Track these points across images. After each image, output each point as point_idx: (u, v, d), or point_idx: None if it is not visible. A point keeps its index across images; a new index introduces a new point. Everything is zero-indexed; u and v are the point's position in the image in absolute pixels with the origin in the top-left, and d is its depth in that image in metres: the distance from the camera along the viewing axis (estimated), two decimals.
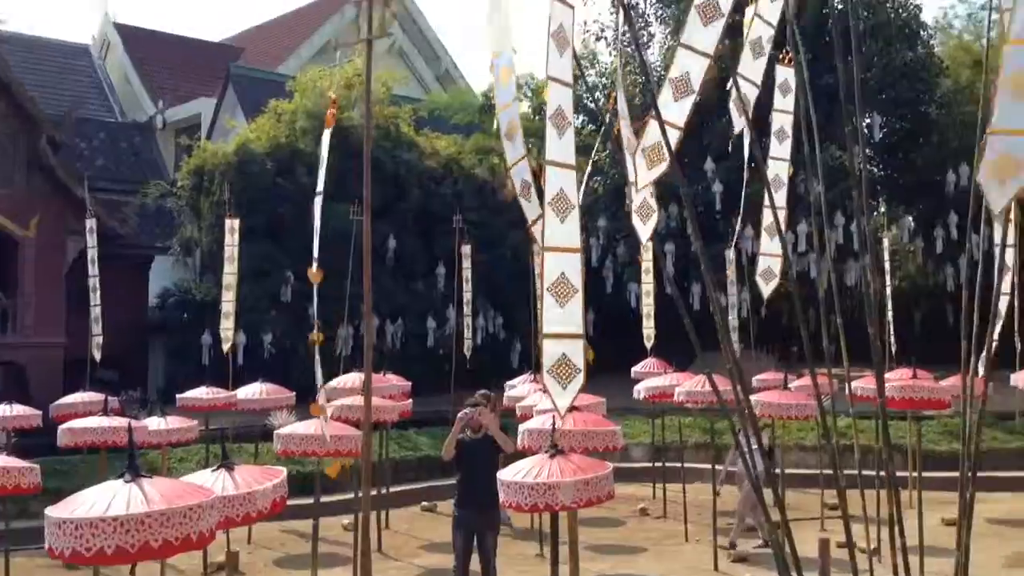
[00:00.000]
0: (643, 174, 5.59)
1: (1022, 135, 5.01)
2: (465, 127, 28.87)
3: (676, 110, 5.50)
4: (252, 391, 13.89)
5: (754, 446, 5.81)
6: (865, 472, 7.91)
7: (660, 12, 30.25)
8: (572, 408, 6.20)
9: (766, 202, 9.20)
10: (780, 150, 8.92)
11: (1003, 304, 7.00)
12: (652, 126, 5.42)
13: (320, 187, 8.47)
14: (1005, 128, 5.00)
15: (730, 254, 17.66)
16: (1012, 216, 7.27)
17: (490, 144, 25.53)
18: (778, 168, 9.06)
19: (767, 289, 9.13)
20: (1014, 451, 15.37)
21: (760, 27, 7.49)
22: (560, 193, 5.55)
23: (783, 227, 9.06)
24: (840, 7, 13.76)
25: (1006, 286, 7.33)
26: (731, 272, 17.89)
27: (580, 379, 5.39)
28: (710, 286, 7.75)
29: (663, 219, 24.38)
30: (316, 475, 9.52)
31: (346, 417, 9.91)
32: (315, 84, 24.05)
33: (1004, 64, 5.05)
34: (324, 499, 10.23)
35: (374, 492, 10.98)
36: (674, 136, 5.30)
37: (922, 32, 30.26)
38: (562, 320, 5.40)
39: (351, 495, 11.04)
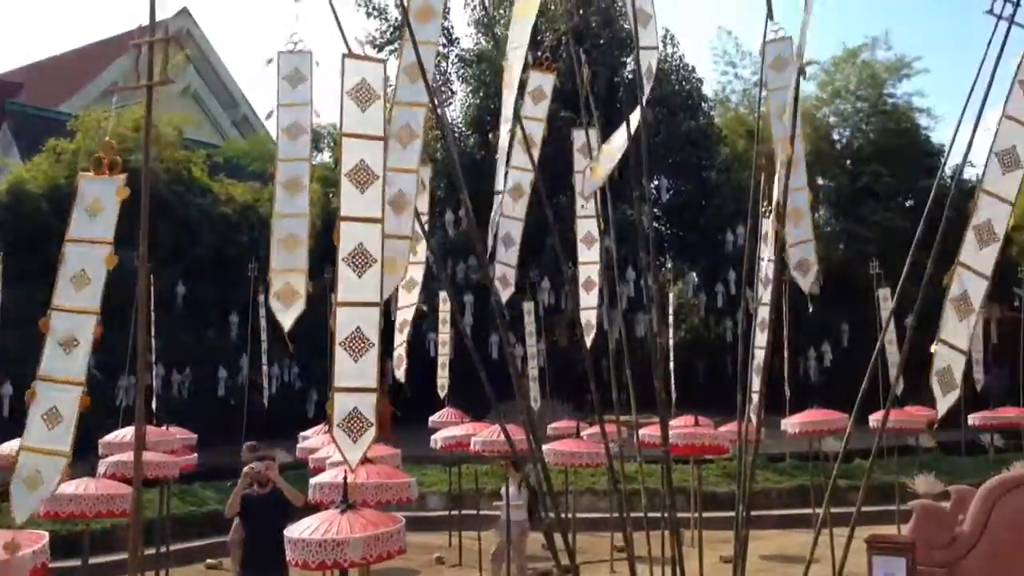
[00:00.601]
0: None
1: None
2: (263, 175, 28.31)
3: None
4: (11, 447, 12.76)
5: (517, 500, 5.94)
6: (651, 514, 8.28)
7: (461, 71, 31.07)
8: (366, 460, 6.10)
9: (581, 258, 9.56)
10: (589, 208, 9.30)
11: (761, 356, 7.61)
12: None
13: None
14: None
15: (528, 306, 18.09)
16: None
17: None
18: (589, 225, 9.42)
19: (589, 340, 9.39)
20: (785, 490, 16.48)
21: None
22: (359, 248, 5.50)
23: (596, 282, 9.40)
24: (630, 77, 14.75)
25: (761, 341, 8.00)
26: (529, 323, 18.30)
27: (371, 433, 5.32)
28: (505, 338, 7.94)
29: (463, 271, 24.76)
30: (85, 535, 8.92)
31: (121, 474, 9.30)
32: (99, 124, 22.88)
33: None
34: (94, 560, 9.58)
35: (152, 551, 10.37)
36: None
37: (703, 104, 32.63)
38: (356, 374, 5.34)
39: (124, 555, 10.38)
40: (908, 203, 29.27)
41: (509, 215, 8.49)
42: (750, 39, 36.86)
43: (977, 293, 5.87)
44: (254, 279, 18.52)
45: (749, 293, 9.04)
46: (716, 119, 33.15)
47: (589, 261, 9.42)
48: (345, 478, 5.96)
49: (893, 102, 33.22)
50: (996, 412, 17.76)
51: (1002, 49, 6.23)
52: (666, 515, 7.84)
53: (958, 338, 5.96)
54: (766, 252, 9.09)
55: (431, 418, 14.93)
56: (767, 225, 9.13)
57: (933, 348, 6.23)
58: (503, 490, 11.03)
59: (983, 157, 6.54)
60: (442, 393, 16.15)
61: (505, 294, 8.36)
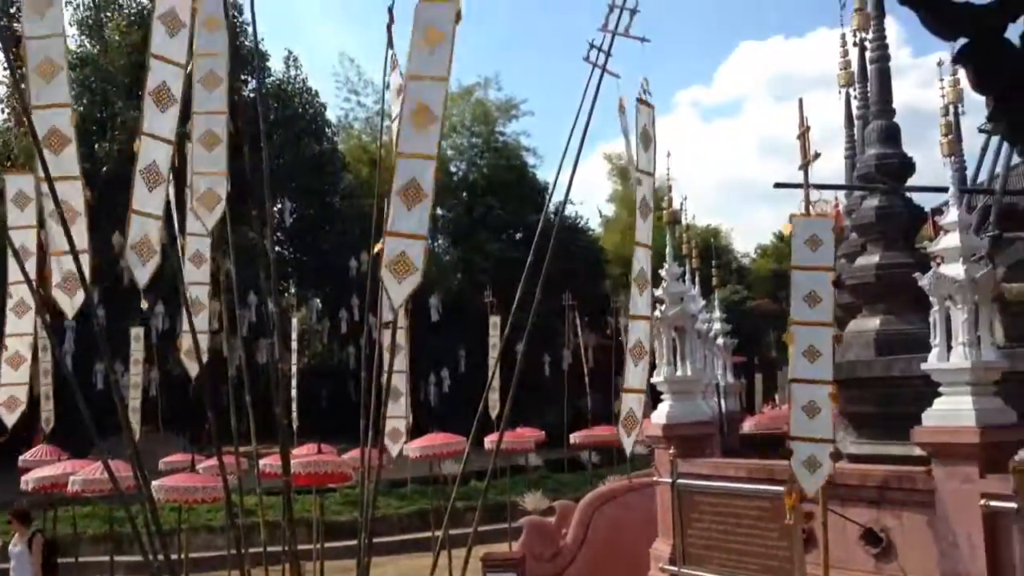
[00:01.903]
0: None
1: (413, 239, 5.59)
2: None
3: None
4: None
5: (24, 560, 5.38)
6: (272, 548, 7.94)
7: None
8: None
9: (187, 279, 8.94)
10: (198, 225, 8.74)
11: (398, 381, 7.69)
12: None
13: None
14: (398, 231, 5.57)
15: (136, 331, 16.83)
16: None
17: None
18: (199, 244, 8.85)
19: (193, 368, 8.75)
20: (406, 515, 16.77)
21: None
22: None
23: (205, 304, 8.85)
24: (251, 96, 14.34)
25: (400, 364, 8.11)
26: (138, 350, 17.02)
27: None
28: (109, 365, 7.27)
29: None
30: None
31: None
32: None
33: (396, 175, 5.62)
34: None
35: None
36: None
37: (328, 129, 32.75)
38: None
39: None
40: (518, 235, 31.43)
41: (196, 232, 7.89)
42: (372, 67, 37.76)
43: (645, 337, 6.42)
44: None
45: (372, 319, 9.10)
46: (340, 145, 33.39)
47: (198, 282, 8.88)
48: None
49: (504, 140, 35.72)
50: (592, 431, 19.45)
51: (596, 93, 6.81)
52: (287, 548, 7.58)
53: (637, 381, 6.50)
54: None
55: (22, 457, 13.30)
56: None
57: (619, 403, 6.77)
58: (10, 547, 9.93)
59: (582, 195, 7.13)
60: (48, 427, 14.56)
61: (201, 317, 7.69)
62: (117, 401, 6.26)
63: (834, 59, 14.86)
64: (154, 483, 8.52)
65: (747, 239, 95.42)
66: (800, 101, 5.85)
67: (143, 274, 5.87)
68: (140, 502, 6.27)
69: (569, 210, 36.72)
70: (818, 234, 5.97)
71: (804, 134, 5.62)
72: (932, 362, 6.11)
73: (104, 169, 24.01)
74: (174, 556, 8.31)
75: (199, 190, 7.04)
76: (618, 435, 8.31)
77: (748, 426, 14.59)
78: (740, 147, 78.09)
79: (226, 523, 13.93)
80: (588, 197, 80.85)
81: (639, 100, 6.51)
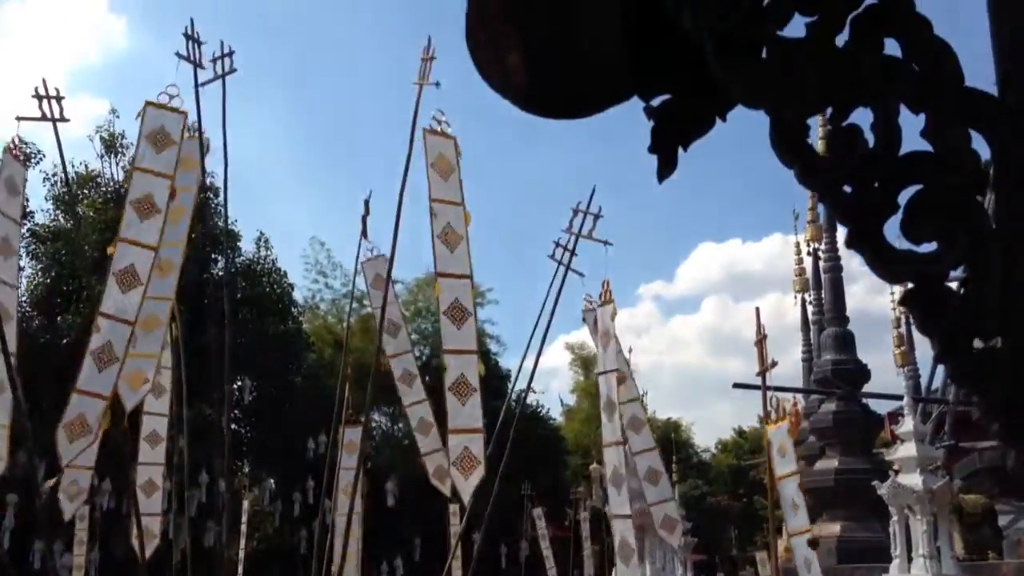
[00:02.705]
0: None
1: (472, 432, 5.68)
2: None
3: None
4: None
5: None
6: None
7: (33, 247, 28.84)
8: None
9: (142, 459, 8.78)
10: (157, 405, 8.68)
11: (338, 565, 7.51)
12: None
13: None
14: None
15: (83, 511, 16.21)
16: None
17: None
18: (155, 423, 8.77)
19: (149, 548, 8.47)
20: None
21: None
22: None
23: (159, 485, 8.67)
24: (220, 274, 14.49)
25: (339, 548, 7.96)
26: (82, 530, 16.33)
27: None
28: (48, 548, 7.00)
29: (7, 466, 21.76)
30: None
31: None
32: None
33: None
34: None
35: None
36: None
37: (293, 308, 32.98)
38: None
39: None
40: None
41: (154, 411, 7.81)
42: (341, 250, 38.51)
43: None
44: None
45: (327, 503, 8.93)
46: (304, 325, 33.53)
47: (152, 462, 8.73)
48: None
49: None
50: None
51: (560, 289, 7.05)
52: None
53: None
54: (348, 462, 9.12)
55: None
56: (350, 434, 9.21)
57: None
58: None
59: (544, 383, 7.23)
60: None
61: (74, 506, 7.44)
62: None
63: (789, 264, 15.50)
64: None
65: (708, 433, 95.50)
66: (757, 310, 6.10)
67: (71, 449, 5.80)
68: None
69: (532, 399, 36.84)
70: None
71: (761, 342, 5.83)
72: (894, 574, 6.10)
73: (65, 341, 23.85)
74: None
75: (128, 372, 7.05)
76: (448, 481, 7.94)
77: None
78: (700, 342, 79.57)
79: None
80: (549, 385, 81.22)
81: (600, 302, 6.74)
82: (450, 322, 6.11)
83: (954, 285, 1.49)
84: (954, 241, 1.41)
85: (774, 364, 5.86)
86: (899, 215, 1.46)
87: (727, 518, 40.78)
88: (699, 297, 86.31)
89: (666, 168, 1.57)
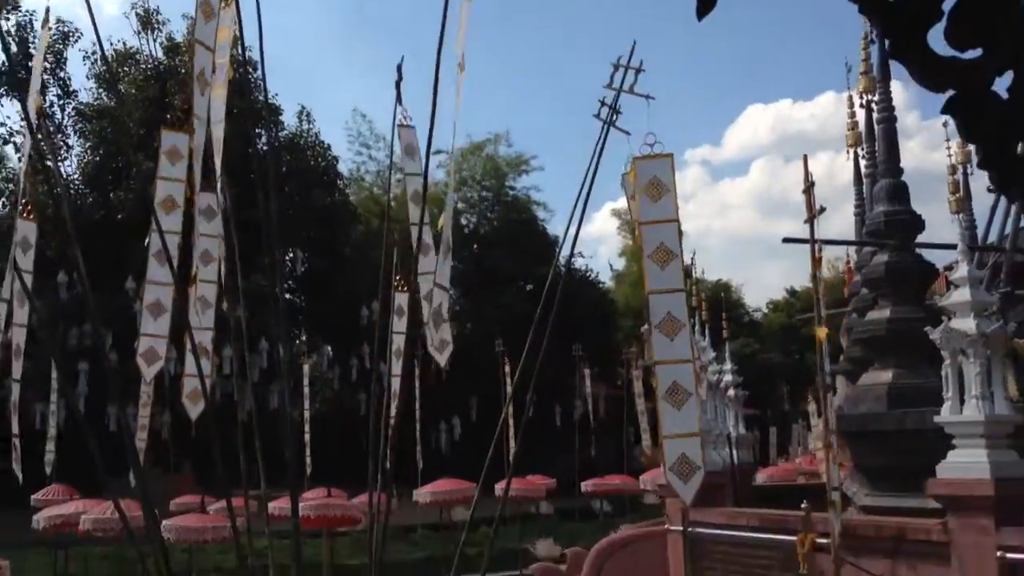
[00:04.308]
0: None
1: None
2: None
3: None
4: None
5: None
6: None
7: (79, 126, 29.06)
8: None
9: (193, 324, 9.02)
10: (206, 272, 8.86)
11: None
12: None
13: None
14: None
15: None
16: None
17: None
18: (205, 289, 8.96)
19: (195, 411, 8.83)
20: (416, 561, 16.61)
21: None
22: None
23: (209, 349, 8.92)
24: (265, 147, 14.51)
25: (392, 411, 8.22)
26: (147, 393, 17.04)
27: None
28: (121, 409, 7.34)
29: (75, 335, 22.66)
30: None
31: None
32: None
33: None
34: None
35: None
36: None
37: (339, 181, 33.12)
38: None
39: None
40: (528, 287, 31.58)
41: (157, 281, 7.94)
42: (383, 122, 38.30)
43: (686, 380, 6.36)
44: None
45: (383, 366, 9.19)
46: (351, 197, 33.71)
47: (204, 327, 8.94)
48: None
49: (514, 194, 36.05)
50: (604, 480, 19.41)
51: (602, 148, 6.91)
52: None
53: (683, 425, 6.34)
54: (399, 326, 9.31)
55: (34, 496, 13.31)
56: (399, 300, 9.37)
57: (661, 447, 6.59)
58: None
59: (593, 250, 7.23)
60: (48, 469, 14.59)
61: (152, 370, 7.73)
62: (127, 442, 6.32)
63: (841, 121, 15.07)
64: (164, 523, 8.52)
65: (757, 295, 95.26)
66: (805, 158, 5.96)
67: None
68: (150, 543, 6.30)
69: (580, 263, 36.95)
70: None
71: (809, 189, 5.72)
72: (945, 415, 6.15)
73: (119, 216, 24.32)
74: None
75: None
76: (662, 483, 8.22)
77: (761, 478, 14.52)
78: (749, 206, 78.54)
79: (236, 565, 13.92)
80: (599, 252, 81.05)
81: (642, 156, 6.63)
82: (655, 265, 6.31)
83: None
84: (997, 47, 1.37)
85: (822, 210, 5.78)
86: (942, 23, 1.42)
87: (778, 375, 41.14)
88: (748, 160, 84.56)
89: (705, 5, 1.54)
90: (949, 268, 8.70)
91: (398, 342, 9.34)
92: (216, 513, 10.79)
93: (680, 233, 6.48)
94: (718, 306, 16.52)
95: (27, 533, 12.17)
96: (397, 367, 9.11)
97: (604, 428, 26.92)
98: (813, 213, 5.63)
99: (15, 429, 7.95)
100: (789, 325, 48.19)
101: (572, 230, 7.01)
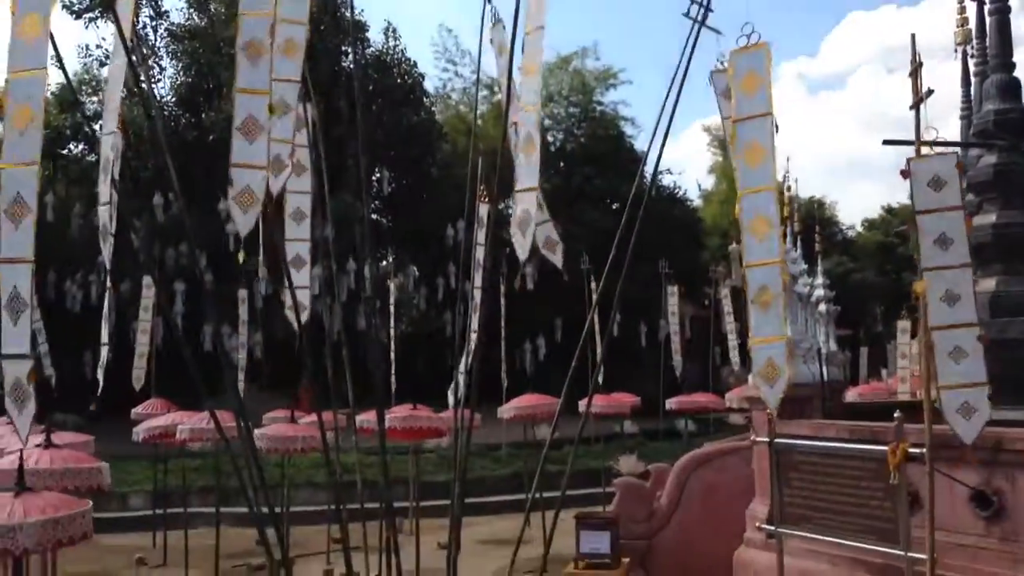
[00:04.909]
0: None
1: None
2: None
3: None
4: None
5: None
6: (369, 504, 8.10)
7: (172, 47, 29.40)
8: (50, 445, 5.46)
9: (288, 235, 9.07)
10: (299, 183, 8.88)
11: (474, 340, 7.75)
12: None
13: None
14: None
15: (243, 294, 17.32)
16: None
17: None
18: (299, 201, 8.99)
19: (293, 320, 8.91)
20: (500, 478, 16.89)
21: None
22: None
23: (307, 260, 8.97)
24: (351, 66, 14.51)
25: (475, 323, 8.20)
26: (243, 312, 17.52)
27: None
28: (217, 328, 7.46)
29: (172, 256, 23.32)
30: None
31: None
32: None
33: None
34: None
35: None
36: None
37: (425, 99, 32.93)
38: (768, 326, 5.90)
39: None
40: (615, 205, 31.14)
41: (296, 190, 8.07)
42: (470, 38, 37.85)
43: (774, 281, 6.16)
44: None
45: (467, 284, 9.14)
46: (437, 115, 33.55)
47: (298, 238, 8.97)
48: (21, 459, 5.30)
49: (601, 110, 35.30)
50: (689, 397, 19.31)
51: (693, 50, 6.58)
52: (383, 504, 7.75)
53: (771, 328, 6.19)
54: (481, 236, 9.21)
55: (134, 410, 13.87)
56: (483, 211, 9.26)
57: (750, 350, 6.45)
58: None
59: (682, 167, 6.94)
60: (137, 385, 15.23)
61: (303, 273, 7.87)
62: (223, 359, 6.46)
63: (949, 28, 14.22)
64: (256, 431, 8.73)
65: (852, 214, 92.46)
66: (912, 37, 5.49)
67: (246, 221, 6.00)
68: (244, 451, 6.45)
69: (667, 180, 36.26)
70: (940, 174, 5.67)
71: (916, 70, 5.29)
72: None
73: (211, 137, 24.70)
74: (277, 509, 8.55)
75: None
76: (750, 392, 8.06)
77: (851, 396, 14.20)
78: (847, 121, 75.70)
79: (326, 480, 14.36)
80: (688, 170, 79.38)
81: (740, 48, 6.29)
82: (747, 163, 6.11)
83: None
84: None
85: (930, 93, 5.38)
86: None
87: (872, 295, 40.02)
88: (847, 73, 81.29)
89: None
90: None
91: (481, 252, 9.25)
92: (307, 425, 11.04)
93: (775, 128, 6.16)
94: (811, 221, 16.00)
95: (125, 447, 12.72)
96: (479, 279, 9.05)
97: (691, 348, 26.68)
98: (920, 96, 5.22)
99: (104, 337, 8.17)
100: (886, 243, 46.67)
101: (659, 139, 6.75)
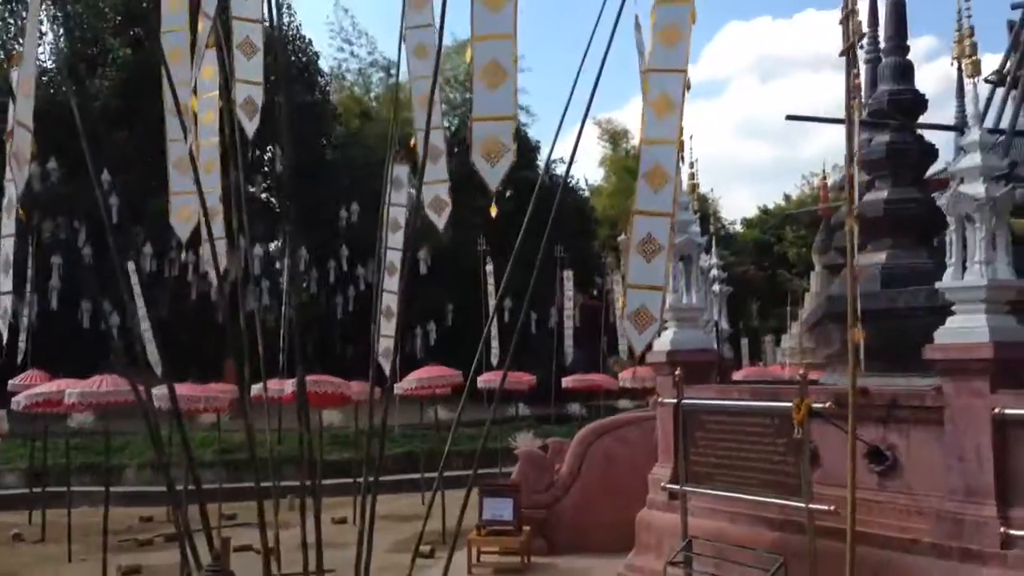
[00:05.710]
0: None
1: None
2: None
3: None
4: None
5: None
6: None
7: (51, 11, 28.03)
8: None
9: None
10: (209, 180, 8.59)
11: (390, 302, 7.71)
12: None
13: None
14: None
15: (132, 265, 16.68)
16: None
17: None
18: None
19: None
20: (396, 457, 16.79)
21: None
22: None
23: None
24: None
25: (391, 285, 8.16)
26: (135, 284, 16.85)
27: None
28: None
29: (50, 228, 22.22)
30: None
31: None
32: None
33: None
34: None
35: None
36: None
37: (320, 79, 32.36)
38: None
39: None
40: (508, 192, 31.28)
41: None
42: (366, 17, 37.37)
43: (662, 234, 6.24)
44: None
45: (362, 270, 9.02)
46: (332, 96, 33.02)
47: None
48: None
49: None
50: (584, 376, 19.84)
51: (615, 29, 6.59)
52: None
53: (651, 278, 6.27)
54: (396, 197, 9.13)
55: (11, 381, 13.20)
56: (399, 172, 9.19)
57: (624, 294, 6.54)
58: None
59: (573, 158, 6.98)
60: (20, 359, 14.60)
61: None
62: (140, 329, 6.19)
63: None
64: (154, 391, 8.37)
65: (730, 214, 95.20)
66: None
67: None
68: (146, 415, 6.16)
69: (560, 169, 36.66)
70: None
71: (848, 16, 5.36)
72: (947, 281, 6.14)
73: (95, 104, 23.67)
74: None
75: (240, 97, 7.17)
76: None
77: (736, 377, 14.70)
78: (724, 126, 77.81)
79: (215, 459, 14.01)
80: (578, 161, 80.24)
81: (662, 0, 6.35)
82: (654, 115, 6.16)
83: None
84: None
85: (862, 37, 5.53)
86: None
87: (751, 289, 41.48)
88: (724, 81, 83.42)
89: None
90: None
91: (395, 213, 9.15)
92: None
93: (687, 86, 6.29)
94: (704, 208, 16.41)
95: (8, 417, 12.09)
96: (392, 239, 8.94)
97: (579, 336, 27.03)
98: (852, 41, 5.34)
99: None
100: (762, 241, 48.47)
101: (572, 133, 6.75)
